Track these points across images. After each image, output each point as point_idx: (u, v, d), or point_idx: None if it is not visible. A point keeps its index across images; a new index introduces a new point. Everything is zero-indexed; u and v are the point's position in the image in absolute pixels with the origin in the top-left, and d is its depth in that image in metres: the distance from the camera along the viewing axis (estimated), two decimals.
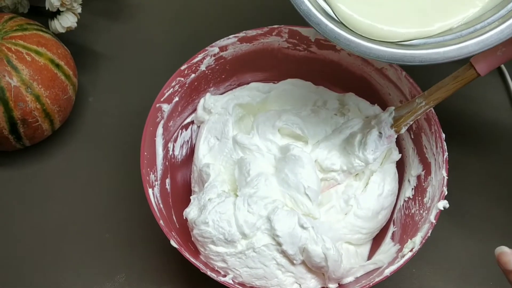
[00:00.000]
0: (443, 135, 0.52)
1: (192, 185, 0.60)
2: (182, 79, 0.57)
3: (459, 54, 0.40)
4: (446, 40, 0.42)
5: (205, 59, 0.58)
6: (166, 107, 0.56)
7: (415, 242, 0.48)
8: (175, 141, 0.59)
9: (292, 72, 0.63)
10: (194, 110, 0.61)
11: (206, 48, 0.58)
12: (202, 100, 0.61)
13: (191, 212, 0.52)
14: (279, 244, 0.48)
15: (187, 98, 0.59)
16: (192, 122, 0.61)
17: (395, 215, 0.56)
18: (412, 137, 0.57)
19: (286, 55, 0.61)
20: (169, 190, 0.57)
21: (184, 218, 0.53)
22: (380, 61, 0.44)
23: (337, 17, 0.44)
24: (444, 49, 0.41)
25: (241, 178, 0.54)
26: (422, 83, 0.54)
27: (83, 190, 0.65)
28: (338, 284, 0.51)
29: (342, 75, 0.61)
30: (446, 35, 0.42)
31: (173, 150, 0.59)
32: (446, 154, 0.51)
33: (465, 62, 0.48)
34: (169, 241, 0.48)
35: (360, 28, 0.43)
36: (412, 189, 0.55)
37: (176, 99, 0.57)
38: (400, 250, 0.51)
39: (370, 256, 0.55)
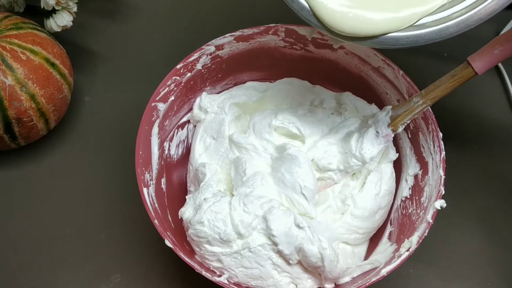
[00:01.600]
0: (440, 134, 0.52)
1: (188, 184, 0.59)
2: (178, 78, 0.57)
3: (439, 36, 0.40)
4: (427, 22, 0.42)
5: (201, 58, 0.58)
6: (161, 106, 0.55)
7: (412, 242, 0.48)
8: (171, 140, 0.59)
9: (289, 71, 0.62)
10: (190, 109, 0.61)
11: (202, 47, 0.57)
12: (198, 99, 0.60)
13: (186, 212, 0.51)
14: (275, 244, 0.48)
15: (183, 97, 0.59)
16: (188, 121, 0.61)
17: (392, 215, 0.56)
18: (409, 136, 0.56)
19: (283, 54, 0.61)
20: (164, 189, 0.56)
21: (180, 217, 0.52)
22: (362, 45, 0.44)
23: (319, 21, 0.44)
24: (425, 31, 0.41)
25: (237, 178, 0.53)
26: (419, 82, 0.54)
27: (78, 190, 0.64)
28: (335, 284, 0.50)
29: (339, 74, 0.61)
30: (428, 16, 0.42)
31: (169, 149, 0.58)
32: (443, 153, 0.51)
33: (462, 60, 0.48)
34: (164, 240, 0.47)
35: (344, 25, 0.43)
36: (409, 188, 0.55)
37: (172, 98, 0.57)
38: (397, 250, 0.50)
39: (367, 256, 0.55)
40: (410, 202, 0.54)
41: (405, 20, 0.42)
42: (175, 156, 0.60)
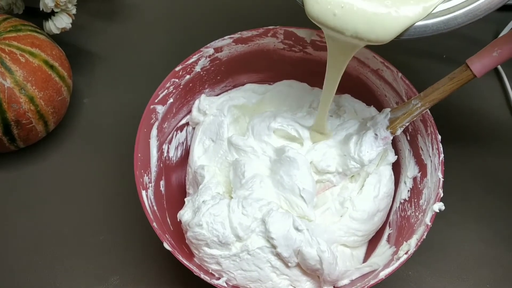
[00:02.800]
0: (439, 137, 0.51)
1: (187, 187, 0.59)
2: (177, 80, 0.57)
3: (447, 26, 0.40)
4: (435, 12, 0.41)
5: (200, 60, 0.58)
6: (160, 109, 0.55)
7: (411, 245, 0.48)
8: (169, 142, 0.59)
9: (288, 73, 0.62)
10: (189, 111, 0.61)
11: (201, 49, 0.57)
12: (197, 102, 0.60)
13: (185, 214, 0.51)
14: (274, 246, 0.48)
15: (182, 99, 0.59)
16: (187, 124, 0.61)
17: (391, 217, 0.56)
18: (408, 138, 0.56)
19: (282, 56, 0.61)
20: (163, 192, 0.56)
21: (178, 220, 0.52)
22: None
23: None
24: (432, 21, 0.40)
25: (236, 180, 0.53)
26: (418, 84, 0.54)
27: (77, 192, 0.64)
28: (333, 287, 0.50)
29: None
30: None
31: (167, 151, 0.58)
32: (442, 155, 0.51)
33: (461, 62, 0.48)
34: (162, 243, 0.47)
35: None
36: (408, 191, 0.55)
37: (171, 100, 0.57)
38: (395, 252, 0.50)
39: (365, 259, 0.55)
40: (409, 205, 0.54)
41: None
42: (174, 159, 0.60)
